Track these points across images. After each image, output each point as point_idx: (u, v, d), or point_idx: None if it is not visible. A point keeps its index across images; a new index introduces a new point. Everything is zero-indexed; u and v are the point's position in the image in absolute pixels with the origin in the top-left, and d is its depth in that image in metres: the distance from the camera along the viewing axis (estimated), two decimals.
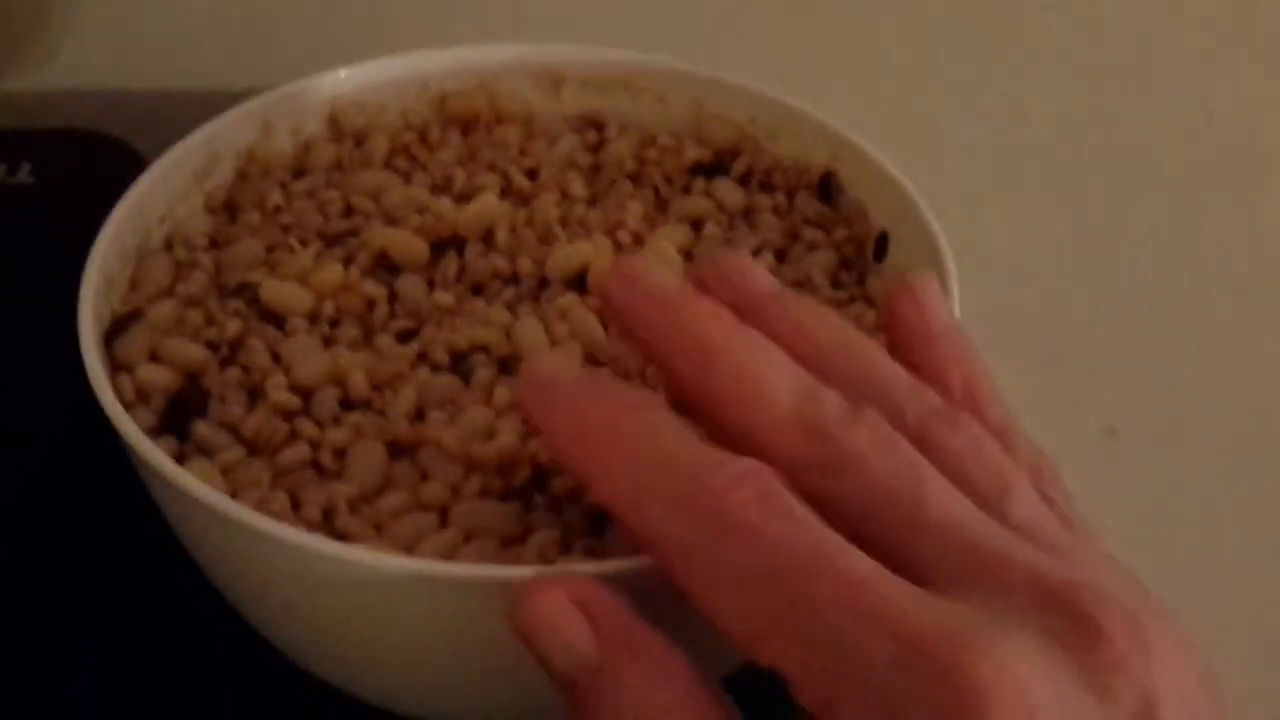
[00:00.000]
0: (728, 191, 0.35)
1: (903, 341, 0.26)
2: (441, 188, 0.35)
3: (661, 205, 0.35)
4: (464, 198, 0.34)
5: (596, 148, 0.37)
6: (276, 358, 0.30)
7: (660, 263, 0.32)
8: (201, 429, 0.28)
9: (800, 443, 0.22)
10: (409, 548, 0.26)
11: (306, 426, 0.28)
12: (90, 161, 0.43)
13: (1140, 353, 0.59)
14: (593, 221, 0.34)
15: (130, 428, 0.26)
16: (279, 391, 0.29)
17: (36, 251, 0.39)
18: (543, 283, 0.33)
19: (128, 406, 0.28)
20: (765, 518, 0.20)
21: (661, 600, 0.22)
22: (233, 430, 0.28)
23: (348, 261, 0.32)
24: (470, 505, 0.27)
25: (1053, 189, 0.53)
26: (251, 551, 0.25)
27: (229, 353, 0.30)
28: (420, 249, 0.33)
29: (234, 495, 0.26)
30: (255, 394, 0.29)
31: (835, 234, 0.34)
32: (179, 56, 0.47)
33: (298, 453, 0.28)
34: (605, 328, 0.31)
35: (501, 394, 0.29)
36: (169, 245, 0.33)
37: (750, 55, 0.43)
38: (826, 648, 0.19)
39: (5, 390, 0.34)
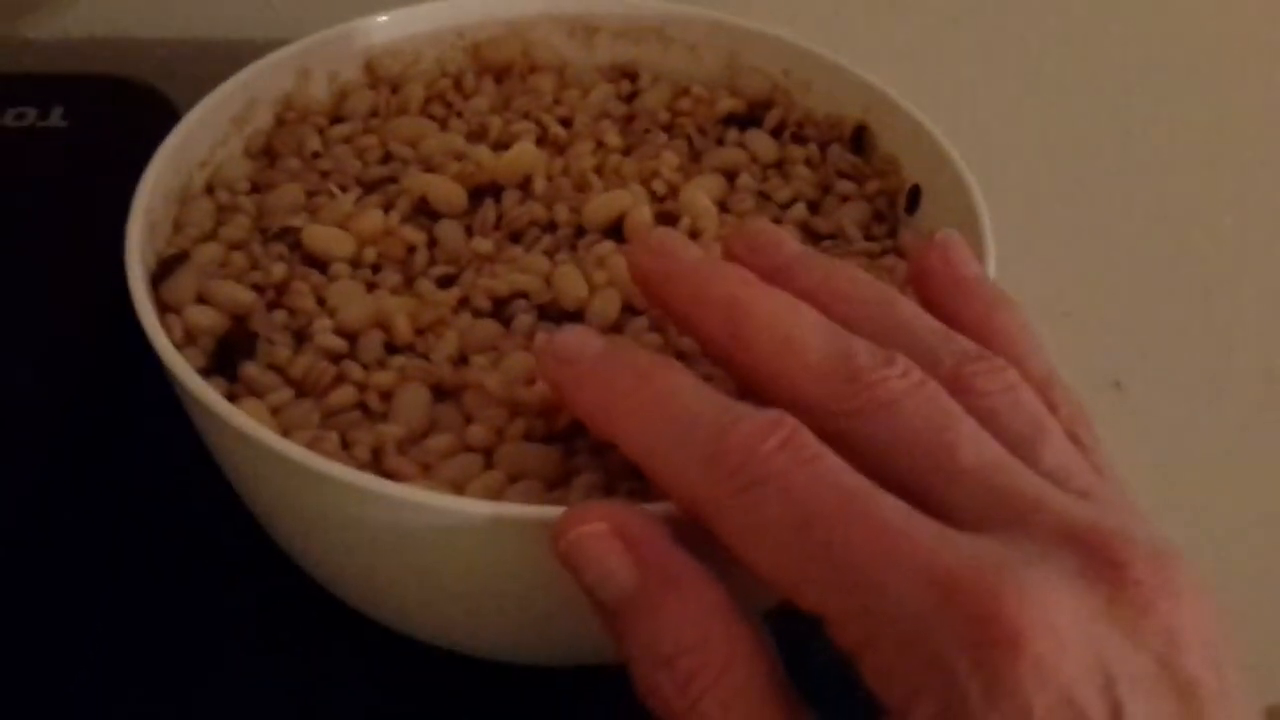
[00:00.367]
0: (761, 143, 0.36)
1: (935, 296, 0.26)
2: (477, 135, 0.35)
3: (695, 156, 0.36)
4: (500, 146, 0.35)
5: (629, 98, 0.38)
6: (321, 301, 0.30)
7: (701, 212, 0.33)
8: (250, 370, 0.28)
9: (831, 388, 0.22)
10: (457, 488, 0.26)
11: (353, 369, 0.29)
12: (121, 106, 0.43)
13: (1146, 310, 0.59)
14: (627, 171, 0.34)
15: (183, 367, 0.26)
16: (325, 335, 0.29)
17: (69, 194, 0.39)
18: (579, 231, 0.33)
19: (177, 348, 0.28)
20: (791, 466, 0.21)
21: (703, 539, 0.22)
22: (280, 372, 0.29)
23: (387, 207, 0.33)
24: (514, 447, 0.27)
25: (1066, 146, 0.53)
26: (305, 490, 0.25)
27: (275, 296, 0.30)
28: (459, 195, 0.33)
29: (285, 435, 0.27)
30: (301, 337, 0.29)
31: (868, 187, 0.35)
32: (208, 4, 0.47)
33: (345, 395, 0.28)
34: None
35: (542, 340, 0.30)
36: (210, 189, 0.33)
37: (784, 6, 0.43)
38: (860, 591, 0.20)
39: (36, 334, 0.35)
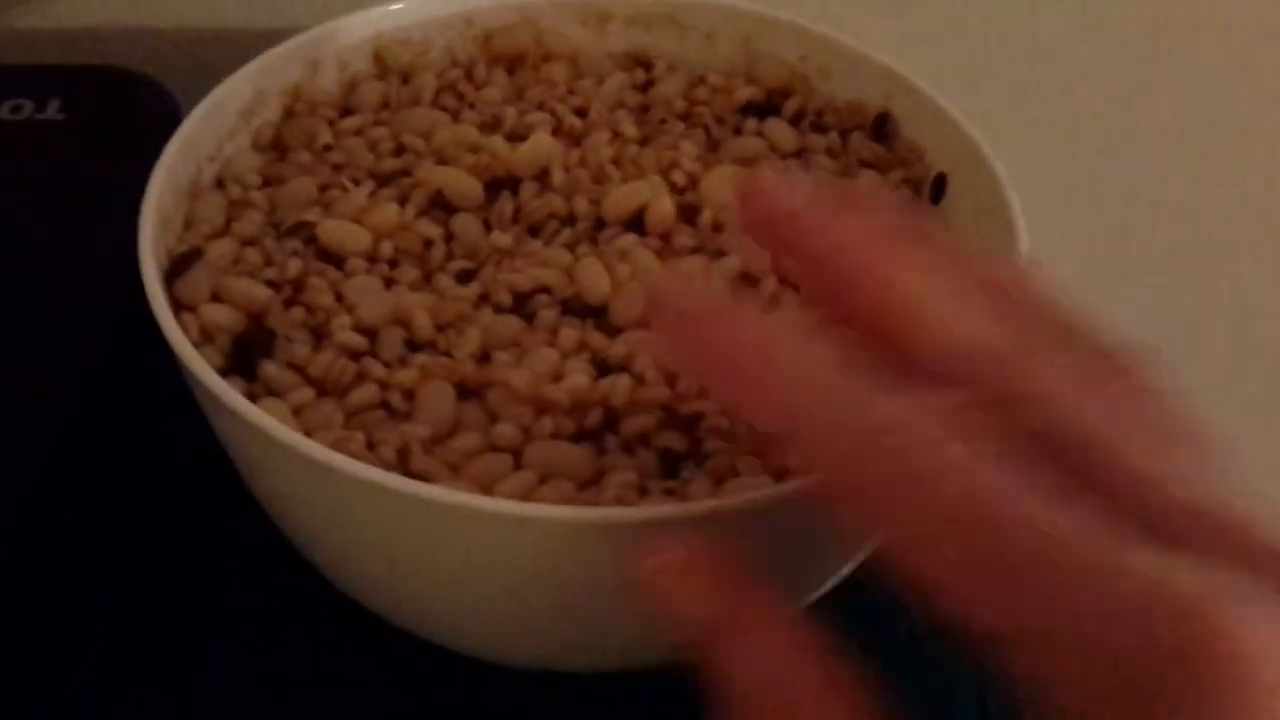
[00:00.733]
0: (780, 132, 0.35)
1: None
2: (491, 127, 0.34)
3: (713, 146, 0.35)
4: (515, 137, 0.34)
5: (644, 87, 0.37)
6: (339, 298, 0.29)
7: (724, 204, 0.32)
8: (269, 369, 0.28)
9: (990, 378, 0.21)
10: (486, 489, 0.26)
11: (374, 367, 0.28)
12: (119, 98, 0.42)
13: (1161, 299, 0.59)
14: (646, 162, 0.34)
15: (204, 368, 0.26)
16: (345, 332, 0.28)
17: (68, 189, 0.38)
18: (598, 223, 0.32)
19: (195, 347, 0.27)
20: (950, 452, 0.19)
21: (745, 539, 0.22)
22: (299, 371, 0.28)
23: (402, 201, 0.32)
24: (543, 447, 0.27)
25: (1079, 132, 0.53)
26: (331, 492, 0.25)
27: (291, 293, 0.29)
28: (476, 188, 0.32)
29: (308, 435, 0.26)
30: (319, 334, 0.29)
31: (891, 176, 0.34)
32: None
33: (367, 393, 0.27)
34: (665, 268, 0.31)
35: (566, 335, 0.29)
36: (220, 183, 0.33)
37: None
38: (1054, 607, 0.18)
39: (34, 332, 0.34)
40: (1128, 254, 0.56)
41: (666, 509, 0.24)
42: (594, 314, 0.30)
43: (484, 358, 0.29)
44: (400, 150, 0.34)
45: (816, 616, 0.22)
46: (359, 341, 0.28)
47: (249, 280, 0.29)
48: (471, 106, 0.35)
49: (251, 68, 0.34)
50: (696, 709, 0.21)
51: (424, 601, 0.28)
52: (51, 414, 0.32)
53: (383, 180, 0.33)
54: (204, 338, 0.28)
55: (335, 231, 0.31)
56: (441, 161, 0.33)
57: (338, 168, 0.33)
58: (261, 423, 0.24)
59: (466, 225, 0.32)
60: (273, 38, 0.35)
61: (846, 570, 0.29)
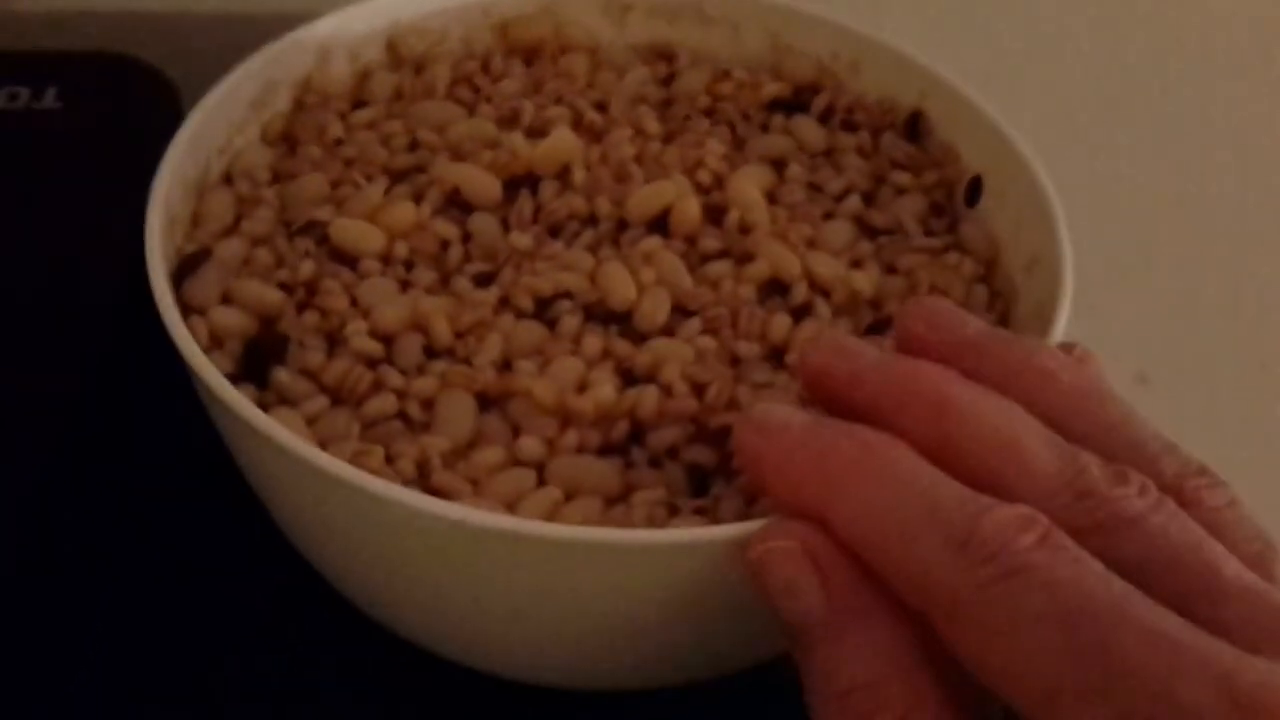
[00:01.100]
0: (808, 130, 0.34)
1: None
2: (508, 121, 0.33)
3: (738, 144, 0.34)
4: (533, 132, 0.33)
5: (667, 80, 0.36)
6: (353, 301, 0.28)
7: (751, 205, 0.31)
8: (282, 376, 0.26)
9: (1070, 504, 0.21)
10: (510, 506, 0.25)
11: (391, 375, 0.27)
12: (118, 86, 0.41)
13: (1172, 303, 0.58)
14: (669, 160, 0.32)
15: (213, 374, 0.24)
16: (360, 338, 0.27)
17: (66, 182, 0.37)
18: (621, 224, 0.31)
19: (204, 352, 0.26)
20: (1055, 561, 0.19)
21: None
22: (313, 378, 0.27)
23: (417, 199, 0.31)
24: (568, 461, 0.26)
25: (1091, 135, 0.52)
26: (349, 508, 0.24)
27: (305, 296, 0.28)
28: (494, 187, 0.31)
29: (323, 447, 0.25)
30: (334, 340, 0.28)
31: (925, 177, 0.33)
32: None
33: (384, 403, 0.26)
34: (692, 273, 0.30)
35: (590, 343, 0.28)
36: (229, 179, 0.31)
37: None
38: (1141, 702, 0.18)
39: (34, 330, 0.33)
40: (1127, 258, 0.55)
41: (700, 532, 0.23)
42: (618, 320, 0.29)
43: (505, 366, 0.27)
44: (414, 145, 0.32)
45: None
46: (375, 348, 0.27)
47: (260, 282, 0.28)
48: (488, 100, 0.34)
49: (260, 57, 0.32)
50: None
51: (442, 617, 0.26)
52: (51, 414, 0.31)
53: (396, 176, 0.31)
54: (214, 343, 0.27)
55: (349, 231, 0.29)
56: (457, 157, 0.32)
57: (349, 163, 0.32)
58: (277, 435, 0.23)
59: (485, 225, 0.30)
60: (276, 22, 0.34)
61: None
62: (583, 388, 0.27)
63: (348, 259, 0.29)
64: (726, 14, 0.36)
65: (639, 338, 0.28)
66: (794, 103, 0.35)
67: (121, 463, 0.34)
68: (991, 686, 0.20)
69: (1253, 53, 0.49)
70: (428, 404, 0.26)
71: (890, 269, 0.31)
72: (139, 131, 0.37)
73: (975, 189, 0.32)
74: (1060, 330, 0.27)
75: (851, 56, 0.35)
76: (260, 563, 0.30)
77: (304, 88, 0.33)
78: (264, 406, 0.26)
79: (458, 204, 0.31)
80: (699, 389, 0.27)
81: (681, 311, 0.29)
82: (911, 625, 0.21)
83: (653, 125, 0.33)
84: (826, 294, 0.30)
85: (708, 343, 0.28)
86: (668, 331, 0.29)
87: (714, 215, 0.31)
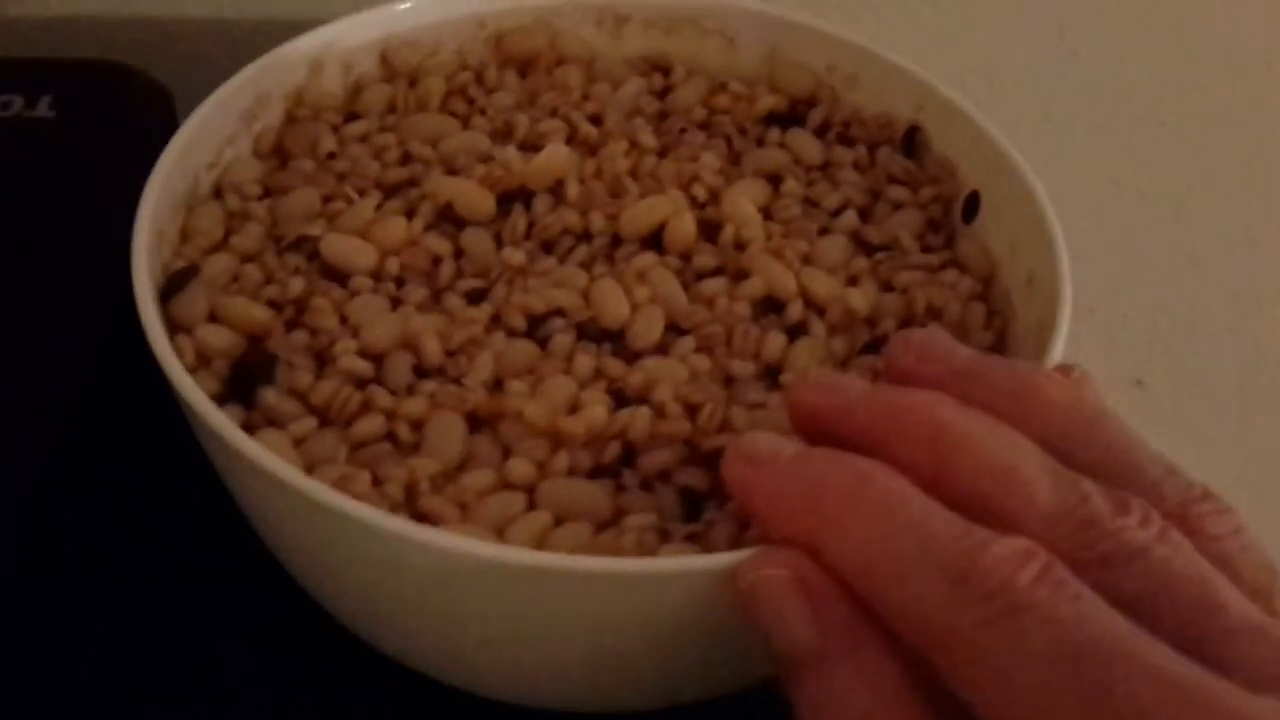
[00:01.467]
0: (805, 144, 0.34)
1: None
2: (502, 134, 0.33)
3: (734, 157, 0.33)
4: (527, 146, 0.32)
5: (663, 93, 0.35)
6: (343, 319, 0.28)
7: (746, 220, 0.31)
8: (269, 397, 0.26)
9: (1072, 535, 0.20)
10: (498, 531, 0.24)
11: (380, 396, 0.26)
12: (113, 94, 0.41)
13: (1169, 307, 0.58)
14: (665, 174, 0.32)
15: (198, 396, 0.24)
16: (349, 357, 0.27)
17: (60, 190, 0.37)
18: (615, 240, 0.31)
19: (189, 372, 0.26)
20: (1055, 598, 0.19)
21: None
22: (301, 398, 0.26)
23: (409, 214, 0.30)
24: (558, 484, 0.25)
25: (1089, 141, 0.51)
26: (335, 534, 0.23)
27: (293, 314, 0.28)
28: (488, 202, 0.31)
29: (310, 470, 0.25)
30: (322, 359, 0.27)
31: (922, 193, 0.32)
32: None
33: (373, 424, 0.26)
34: (686, 290, 0.29)
35: (582, 362, 0.27)
36: (218, 193, 0.31)
37: None
38: None
39: (34, 330, 0.33)
40: (1125, 262, 0.55)
41: (698, 562, 0.22)
42: (611, 338, 0.28)
43: (496, 385, 0.27)
44: (407, 159, 0.32)
45: None
46: (364, 368, 0.27)
47: (248, 300, 0.28)
48: (482, 112, 0.34)
49: (252, 69, 0.32)
50: None
51: (429, 641, 0.26)
52: (51, 414, 0.31)
53: (389, 191, 0.31)
54: (200, 362, 0.27)
55: (339, 247, 0.29)
56: (450, 171, 0.32)
57: (342, 177, 0.31)
58: (261, 459, 0.23)
59: (477, 241, 0.30)
60: (271, 29, 0.33)
61: None
62: (574, 408, 0.27)
63: (339, 275, 0.29)
64: (723, 26, 0.36)
65: (632, 356, 0.28)
66: (790, 116, 0.34)
67: (121, 463, 0.34)
68: None
69: (1249, 65, 0.49)
70: (417, 425, 0.26)
71: (886, 286, 0.30)
72: (134, 140, 0.36)
73: (973, 205, 0.32)
74: (1059, 349, 0.27)
75: (848, 69, 0.34)
76: (260, 563, 0.29)
77: (296, 100, 0.33)
78: (251, 427, 0.26)
79: (450, 219, 0.31)
80: (692, 410, 0.27)
81: (675, 329, 0.29)
82: (904, 658, 0.20)
83: (648, 139, 0.33)
84: (822, 312, 0.29)
85: (701, 362, 0.28)
86: (661, 349, 0.28)
87: (709, 231, 0.31)
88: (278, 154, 0.32)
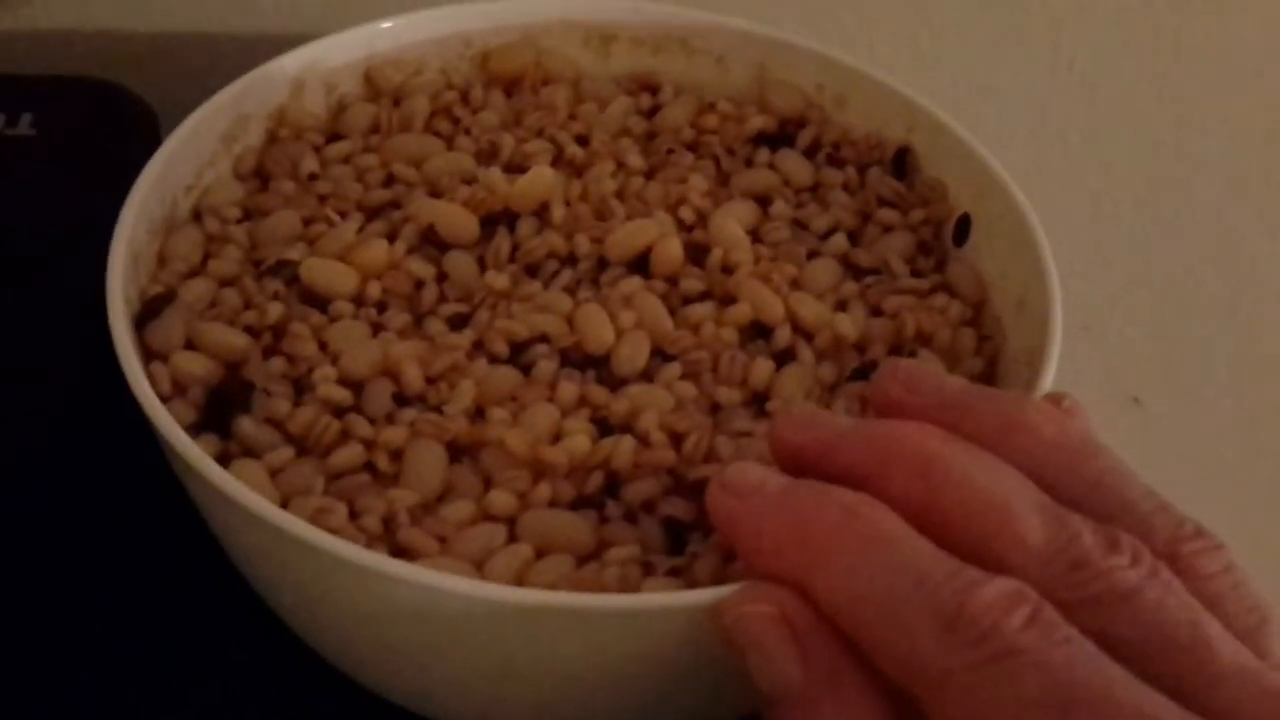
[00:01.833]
0: (794, 165, 0.33)
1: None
2: (487, 155, 0.32)
3: (722, 178, 0.33)
4: (512, 167, 0.32)
5: (650, 112, 0.35)
6: (322, 346, 0.27)
7: (735, 243, 0.30)
8: (246, 426, 0.26)
9: (1063, 575, 0.20)
10: (478, 564, 0.24)
11: (359, 424, 0.26)
12: (96, 112, 0.40)
13: (1166, 325, 0.57)
14: (652, 196, 0.32)
15: (171, 426, 0.24)
16: (328, 385, 0.26)
17: (40, 211, 0.36)
18: (600, 263, 0.30)
19: (164, 400, 0.25)
20: (1045, 642, 0.19)
21: None
22: (278, 427, 0.26)
23: (391, 237, 0.30)
24: (540, 516, 0.25)
25: (1082, 159, 0.51)
26: (312, 568, 0.23)
27: (271, 340, 0.27)
28: (471, 225, 0.30)
29: (286, 503, 0.24)
30: (301, 386, 0.27)
31: (912, 215, 0.32)
32: None
33: (351, 454, 0.25)
34: (672, 315, 0.29)
35: (566, 389, 0.27)
36: (197, 216, 0.30)
37: (817, 14, 0.40)
38: None
39: (34, 331, 0.32)
40: (1121, 280, 0.54)
41: (684, 596, 0.22)
42: (596, 364, 0.28)
43: (478, 414, 0.27)
44: (390, 180, 0.32)
45: None
46: (343, 396, 0.26)
47: (225, 326, 0.27)
48: (467, 132, 0.33)
49: (233, 89, 0.31)
50: None
51: (407, 676, 0.26)
52: (51, 414, 0.31)
53: (371, 213, 0.31)
54: (176, 390, 0.26)
55: (320, 271, 0.29)
56: (434, 193, 0.31)
57: (323, 199, 0.31)
58: (235, 492, 0.22)
59: (460, 264, 0.30)
60: (255, 44, 0.33)
61: None
62: (557, 437, 0.26)
63: (319, 300, 0.28)
64: (711, 45, 0.35)
65: (616, 383, 0.28)
66: (779, 136, 0.34)
67: (121, 463, 0.33)
68: None
69: (1246, 82, 0.49)
70: (396, 454, 0.26)
71: (876, 311, 0.30)
72: (116, 160, 0.36)
73: (964, 228, 0.31)
74: (1050, 376, 0.27)
75: (838, 89, 0.34)
76: None
77: (278, 120, 0.33)
78: (227, 457, 0.25)
79: (433, 241, 0.30)
80: (677, 439, 0.26)
81: (661, 354, 0.28)
82: (889, 697, 0.20)
83: (635, 160, 0.33)
84: (810, 337, 0.29)
85: (687, 389, 0.27)
86: (646, 376, 0.28)
87: (696, 254, 0.30)
88: (258, 175, 0.32)
